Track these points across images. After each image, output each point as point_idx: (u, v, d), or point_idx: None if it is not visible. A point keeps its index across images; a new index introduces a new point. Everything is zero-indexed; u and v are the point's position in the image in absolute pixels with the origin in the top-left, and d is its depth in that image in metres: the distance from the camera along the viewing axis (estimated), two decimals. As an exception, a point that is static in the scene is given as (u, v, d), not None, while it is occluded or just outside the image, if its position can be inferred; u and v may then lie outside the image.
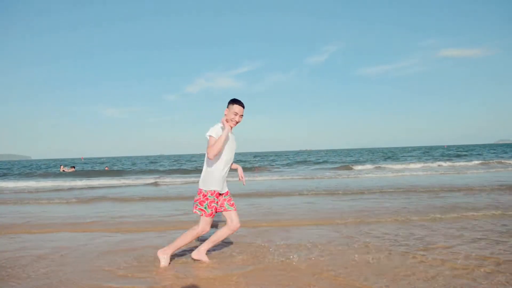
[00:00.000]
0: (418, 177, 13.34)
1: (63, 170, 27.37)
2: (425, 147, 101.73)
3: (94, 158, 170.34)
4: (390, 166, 21.50)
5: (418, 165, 21.20)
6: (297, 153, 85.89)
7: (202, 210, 3.33)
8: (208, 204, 3.33)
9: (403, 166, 21.16)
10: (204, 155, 3.44)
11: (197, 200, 3.37)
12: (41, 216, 6.86)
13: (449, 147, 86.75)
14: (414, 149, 72.97)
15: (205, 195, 3.34)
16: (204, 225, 3.35)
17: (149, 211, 7.12)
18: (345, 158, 35.35)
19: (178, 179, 16.09)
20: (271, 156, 59.56)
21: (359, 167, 21.66)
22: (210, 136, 3.27)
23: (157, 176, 19.30)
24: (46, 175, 23.90)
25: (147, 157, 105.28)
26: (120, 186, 13.51)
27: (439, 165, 21.10)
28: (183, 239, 3.41)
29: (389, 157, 34.32)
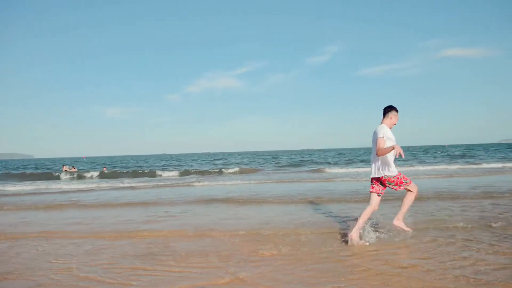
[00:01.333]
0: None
1: (66, 170, 27.67)
2: (426, 147, 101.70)
3: (95, 157, 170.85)
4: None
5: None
6: (300, 152, 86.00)
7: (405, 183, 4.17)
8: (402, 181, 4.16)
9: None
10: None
11: (398, 183, 4.13)
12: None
13: (450, 147, 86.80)
14: (414, 149, 73.03)
15: (398, 177, 4.12)
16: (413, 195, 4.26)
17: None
18: (335, 159, 35.48)
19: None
20: (267, 156, 59.72)
21: (334, 170, 20.11)
22: (381, 137, 3.98)
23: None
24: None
25: (149, 156, 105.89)
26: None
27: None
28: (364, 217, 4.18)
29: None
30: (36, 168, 36.21)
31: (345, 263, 3.49)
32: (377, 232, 4.43)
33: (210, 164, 32.32)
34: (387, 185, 4.23)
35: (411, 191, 4.24)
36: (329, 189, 10.09)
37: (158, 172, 22.27)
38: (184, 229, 5.36)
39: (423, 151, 51.55)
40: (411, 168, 18.97)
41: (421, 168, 19.09)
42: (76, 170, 28.13)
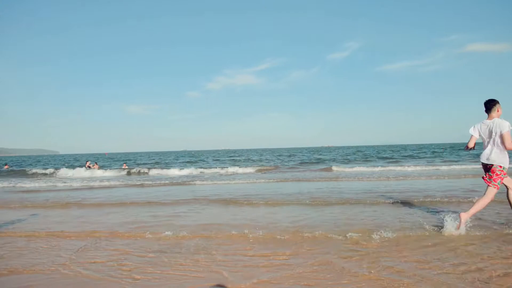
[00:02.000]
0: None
1: (89, 167, 28.52)
2: (451, 144, 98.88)
3: (118, 153, 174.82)
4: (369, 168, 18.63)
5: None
6: (318, 149, 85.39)
7: (496, 183, 4.39)
8: (501, 179, 4.40)
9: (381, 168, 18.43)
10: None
11: (498, 175, 4.38)
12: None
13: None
14: (442, 146, 71.29)
15: (503, 172, 4.38)
16: (493, 195, 4.45)
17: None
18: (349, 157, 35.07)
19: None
20: (285, 153, 59.62)
21: (342, 168, 19.00)
22: (507, 131, 4.27)
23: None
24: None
25: (170, 153, 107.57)
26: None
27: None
28: (477, 207, 4.42)
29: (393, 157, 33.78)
30: (61, 165, 37.49)
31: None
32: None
33: (222, 162, 32.60)
34: (490, 175, 4.45)
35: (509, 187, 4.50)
36: (339, 188, 10.04)
37: (171, 171, 22.33)
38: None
39: (449, 148, 50.31)
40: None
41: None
42: (98, 167, 28.97)
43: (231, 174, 17.20)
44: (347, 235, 4.45)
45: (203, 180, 13.97)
